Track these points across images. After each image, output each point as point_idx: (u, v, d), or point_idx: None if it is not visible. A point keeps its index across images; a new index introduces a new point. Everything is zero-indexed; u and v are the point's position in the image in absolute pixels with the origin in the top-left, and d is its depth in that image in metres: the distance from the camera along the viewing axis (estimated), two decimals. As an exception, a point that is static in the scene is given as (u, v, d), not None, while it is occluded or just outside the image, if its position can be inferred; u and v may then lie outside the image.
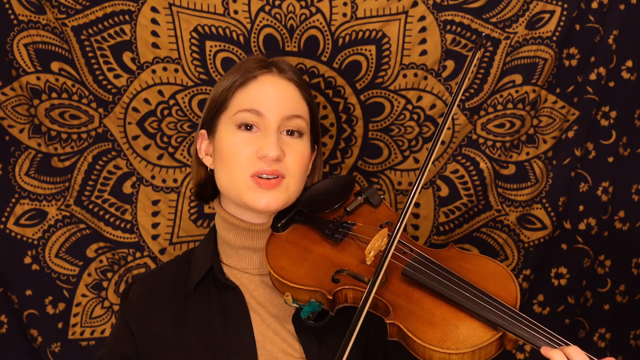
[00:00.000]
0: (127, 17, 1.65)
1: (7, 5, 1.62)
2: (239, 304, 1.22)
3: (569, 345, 0.97)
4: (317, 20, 1.68)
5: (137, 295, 1.29)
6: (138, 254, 1.77)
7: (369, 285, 1.06)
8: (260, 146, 1.17)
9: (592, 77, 1.75)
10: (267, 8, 1.67)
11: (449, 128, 1.75)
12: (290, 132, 1.22)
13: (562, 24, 1.71)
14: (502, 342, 1.02)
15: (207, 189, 1.30)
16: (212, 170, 1.27)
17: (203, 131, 1.27)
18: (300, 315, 1.14)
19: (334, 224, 1.24)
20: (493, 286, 1.08)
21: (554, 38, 1.71)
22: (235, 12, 1.67)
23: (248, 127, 1.20)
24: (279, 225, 1.23)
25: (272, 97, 1.20)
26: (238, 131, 1.20)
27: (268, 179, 1.18)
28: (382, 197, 1.33)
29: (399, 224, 1.10)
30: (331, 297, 1.11)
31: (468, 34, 1.71)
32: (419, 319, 1.05)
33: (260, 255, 1.25)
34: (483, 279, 1.10)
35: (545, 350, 0.97)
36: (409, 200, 1.11)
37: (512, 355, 1.88)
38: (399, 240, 1.15)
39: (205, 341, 1.20)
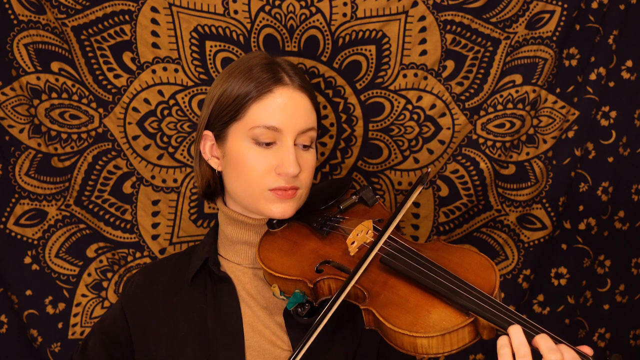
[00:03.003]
0: (127, 17, 1.65)
1: (7, 5, 1.62)
2: (231, 295, 1.25)
3: (541, 332, 0.97)
4: (317, 20, 1.68)
5: (136, 283, 1.34)
6: (138, 254, 1.77)
7: (350, 275, 1.08)
8: (279, 162, 1.19)
9: (592, 77, 1.75)
10: (267, 8, 1.67)
11: (448, 128, 1.76)
12: (304, 144, 1.25)
13: (562, 24, 1.71)
14: (476, 329, 1.02)
15: (215, 189, 1.31)
16: (219, 172, 1.28)
17: (209, 133, 1.26)
18: (289, 309, 1.17)
19: (323, 219, 1.26)
20: (473, 276, 1.08)
21: (554, 38, 1.71)
22: (235, 12, 1.67)
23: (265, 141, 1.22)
24: (275, 222, 1.26)
25: (289, 114, 1.20)
26: (254, 145, 1.21)
27: (285, 190, 1.21)
28: (377, 196, 1.33)
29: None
30: (312, 286, 1.13)
31: (468, 34, 1.71)
32: (393, 305, 1.06)
33: (255, 250, 1.27)
34: (463, 269, 1.10)
35: (510, 328, 0.97)
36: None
37: None
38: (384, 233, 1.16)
39: (195, 331, 1.23)
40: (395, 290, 1.08)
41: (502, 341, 0.96)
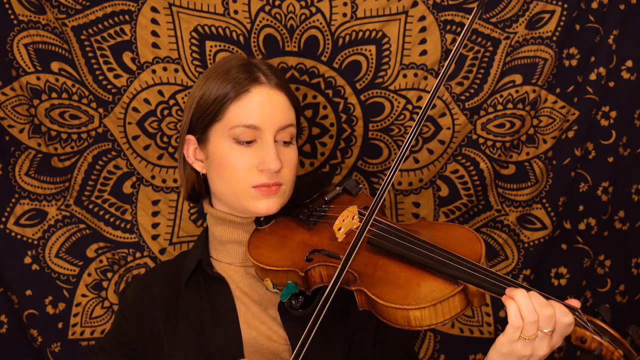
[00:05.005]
0: (127, 17, 1.65)
1: (7, 5, 1.62)
2: (225, 294, 1.26)
3: (530, 289, 1.02)
4: (317, 20, 1.68)
5: (132, 291, 1.35)
6: (138, 254, 1.77)
7: (342, 260, 1.10)
8: (260, 159, 1.22)
9: (592, 77, 1.75)
10: (267, 8, 1.67)
11: (448, 128, 1.76)
12: (284, 141, 1.27)
13: (562, 24, 1.71)
14: (466, 297, 1.04)
15: (200, 191, 1.33)
16: (204, 175, 1.30)
17: (191, 137, 1.29)
18: (283, 302, 1.18)
19: (308, 210, 1.28)
20: (459, 247, 1.11)
21: (554, 38, 1.71)
22: (235, 12, 1.67)
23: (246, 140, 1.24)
24: (262, 219, 1.28)
25: (267, 111, 1.23)
26: (235, 145, 1.23)
27: (269, 186, 1.23)
28: (360, 186, 1.35)
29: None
30: (303, 275, 1.15)
31: (468, 34, 1.70)
32: (384, 282, 1.08)
33: (244, 248, 1.29)
34: (449, 242, 1.13)
35: (509, 291, 1.02)
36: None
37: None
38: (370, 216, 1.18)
39: (194, 332, 1.24)
40: (385, 269, 1.11)
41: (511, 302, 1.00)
